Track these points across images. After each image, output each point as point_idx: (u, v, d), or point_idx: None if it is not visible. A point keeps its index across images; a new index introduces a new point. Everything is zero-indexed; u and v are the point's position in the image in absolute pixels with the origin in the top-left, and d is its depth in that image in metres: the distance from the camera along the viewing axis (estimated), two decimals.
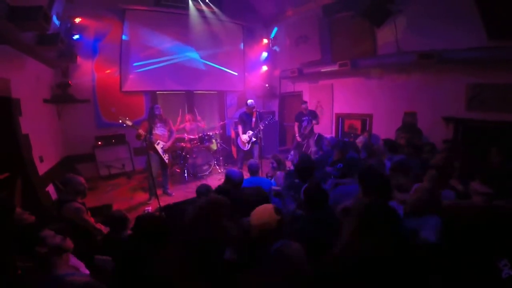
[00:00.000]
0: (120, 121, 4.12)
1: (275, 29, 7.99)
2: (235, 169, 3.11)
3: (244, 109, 5.86)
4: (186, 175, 5.79)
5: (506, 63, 3.96)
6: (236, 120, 6.10)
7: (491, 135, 4.26)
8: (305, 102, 6.35)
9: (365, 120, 6.34)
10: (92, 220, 2.81)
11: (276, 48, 8.09)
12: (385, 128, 5.79)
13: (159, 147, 4.53)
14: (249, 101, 5.65)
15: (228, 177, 2.86)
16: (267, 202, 2.78)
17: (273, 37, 8.09)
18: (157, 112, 4.55)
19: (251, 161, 3.68)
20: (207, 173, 6.02)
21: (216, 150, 6.61)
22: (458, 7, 4.29)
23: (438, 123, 4.91)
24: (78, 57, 5.35)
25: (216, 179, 5.83)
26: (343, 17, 6.16)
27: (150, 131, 4.47)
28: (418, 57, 4.65)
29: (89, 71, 5.78)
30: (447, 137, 4.71)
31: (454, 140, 4.56)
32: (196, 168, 5.87)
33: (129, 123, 4.19)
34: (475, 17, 4.05)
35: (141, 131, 4.30)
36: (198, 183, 4.11)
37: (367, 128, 6.23)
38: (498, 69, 4.12)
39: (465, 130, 4.69)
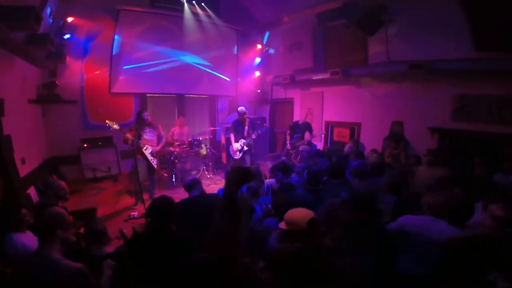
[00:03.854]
0: (108, 124, 4.07)
1: (267, 34, 8.08)
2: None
3: (236, 116, 5.83)
4: (174, 180, 5.71)
5: (492, 75, 4.07)
6: (229, 126, 6.09)
7: (476, 146, 4.35)
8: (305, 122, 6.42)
9: (354, 129, 6.41)
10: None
11: (271, 50, 8.12)
12: (373, 137, 5.86)
13: (147, 152, 4.46)
14: (240, 108, 5.66)
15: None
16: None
17: (265, 43, 8.15)
18: (146, 118, 4.50)
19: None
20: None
21: (205, 155, 6.56)
22: (448, 19, 4.40)
23: (424, 133, 4.99)
24: (67, 57, 5.26)
25: (204, 185, 5.72)
26: (336, 25, 6.23)
27: (138, 136, 4.41)
28: (408, 67, 4.74)
29: (78, 72, 5.67)
30: (433, 147, 4.80)
31: (438, 150, 4.64)
32: (184, 173, 5.80)
33: (116, 127, 4.14)
34: (464, 28, 4.16)
35: (128, 135, 4.24)
36: None
37: (355, 137, 6.29)
38: (485, 81, 4.23)
39: (450, 140, 4.78)
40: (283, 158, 6.13)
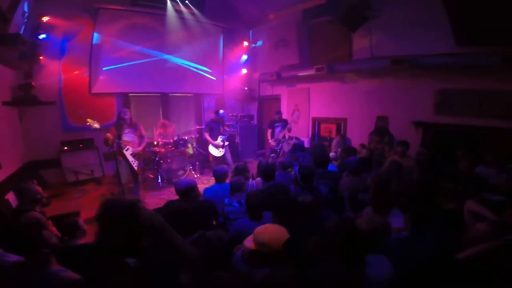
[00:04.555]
0: (88, 123, 3.96)
1: (251, 33, 8.08)
2: (187, 178, 3.06)
3: (212, 117, 5.86)
4: (160, 181, 5.60)
5: (472, 69, 4.14)
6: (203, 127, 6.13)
7: (459, 139, 4.41)
8: (280, 112, 6.37)
9: (340, 124, 6.43)
10: (54, 229, 2.62)
11: (259, 42, 8.07)
12: (359, 132, 5.91)
13: (128, 153, 4.34)
14: (221, 111, 5.74)
15: (176, 188, 2.80)
16: (213, 216, 2.74)
17: (251, 40, 8.12)
18: (125, 117, 4.35)
19: (219, 167, 3.58)
20: (182, 178, 5.85)
21: (192, 154, 6.46)
22: (430, 14, 4.45)
23: (409, 127, 5.04)
24: (43, 57, 5.11)
25: None
26: (321, 22, 6.25)
27: (118, 137, 4.29)
28: (390, 62, 4.77)
29: (55, 72, 5.48)
30: (417, 141, 4.86)
31: (423, 144, 4.69)
32: (171, 173, 5.70)
33: (96, 126, 4.01)
34: (445, 24, 4.20)
35: (109, 135, 4.12)
36: (173, 189, 3.96)
37: (342, 132, 6.32)
38: (465, 75, 4.29)
39: (434, 134, 4.84)
40: (273, 155, 6.10)
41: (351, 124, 6.22)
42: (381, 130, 5.43)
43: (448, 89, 4.57)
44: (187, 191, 2.77)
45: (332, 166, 4.09)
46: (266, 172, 3.35)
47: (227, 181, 3.59)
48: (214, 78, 7.85)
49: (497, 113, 4.02)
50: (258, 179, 3.69)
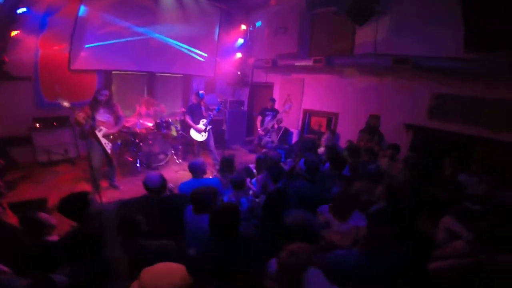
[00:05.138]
0: (58, 101, 3.71)
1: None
2: (155, 173, 2.81)
3: (193, 100, 5.60)
4: (138, 165, 5.34)
5: (476, 76, 3.96)
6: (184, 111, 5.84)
7: (448, 145, 4.33)
8: (273, 100, 6.29)
9: (331, 119, 6.24)
10: (15, 220, 2.44)
11: (258, 23, 7.66)
12: (349, 128, 5.74)
13: (100, 134, 4.06)
14: (200, 92, 5.46)
15: (144, 183, 2.61)
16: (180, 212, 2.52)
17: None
18: (100, 98, 4.04)
19: (194, 160, 3.36)
20: (163, 163, 5.59)
21: (175, 137, 6.20)
22: (443, 15, 4.22)
23: (400, 129, 4.92)
24: (20, 31, 4.73)
25: (172, 171, 5.49)
26: (325, 12, 5.92)
27: (92, 117, 4.00)
28: (393, 61, 4.56)
29: (32, 47, 5.04)
30: (406, 144, 4.73)
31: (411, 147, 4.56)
32: (151, 157, 5.44)
33: (66, 104, 3.75)
34: (458, 26, 3.95)
35: (80, 114, 3.84)
36: None
37: (332, 127, 6.13)
38: (466, 81, 4.12)
39: (424, 138, 4.72)
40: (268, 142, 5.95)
41: (342, 120, 6.04)
42: (371, 129, 5.28)
43: (445, 94, 4.40)
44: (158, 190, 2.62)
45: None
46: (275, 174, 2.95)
47: (207, 176, 3.42)
48: (206, 56, 7.44)
49: (494, 122, 3.89)
50: (259, 176, 3.50)
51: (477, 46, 3.86)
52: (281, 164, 3.83)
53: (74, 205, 2.09)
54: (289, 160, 4.52)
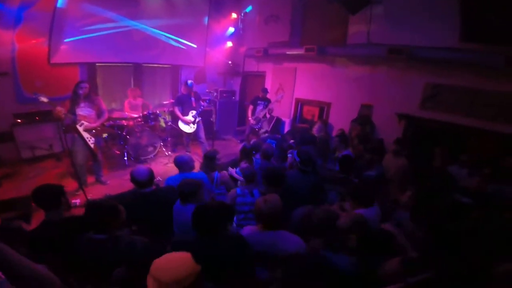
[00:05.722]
0: (35, 96, 3.60)
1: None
2: (143, 166, 2.76)
3: (183, 91, 5.48)
4: (126, 158, 5.21)
5: (472, 67, 3.87)
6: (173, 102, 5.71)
7: (440, 136, 4.29)
8: (266, 90, 6.19)
9: (323, 108, 6.12)
10: None
11: (249, 8, 7.43)
12: (341, 118, 5.66)
13: (81, 129, 3.92)
14: (189, 82, 5.37)
15: (131, 176, 2.58)
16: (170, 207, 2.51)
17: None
18: (79, 91, 3.87)
19: (179, 155, 3.26)
20: (151, 156, 5.48)
21: (164, 129, 6.06)
22: (438, 5, 4.10)
23: (392, 119, 4.84)
24: None
25: (161, 164, 5.39)
26: (318, 0, 5.78)
27: (73, 112, 3.86)
28: (387, 51, 4.46)
29: (8, 42, 4.77)
30: (398, 134, 4.65)
31: (404, 139, 4.47)
32: (139, 150, 5.31)
33: (44, 99, 3.62)
34: (453, 16, 3.88)
35: (59, 109, 3.69)
36: None
37: (324, 117, 6.03)
38: (461, 72, 4.04)
39: (416, 128, 4.65)
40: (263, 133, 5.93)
41: (334, 109, 5.94)
42: (363, 119, 5.22)
43: (440, 84, 4.30)
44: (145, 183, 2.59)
45: None
46: (273, 179, 2.71)
47: (195, 170, 3.34)
48: (195, 47, 7.20)
49: (487, 114, 3.83)
50: (243, 165, 3.42)
51: (473, 37, 3.80)
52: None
53: (48, 195, 2.10)
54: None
